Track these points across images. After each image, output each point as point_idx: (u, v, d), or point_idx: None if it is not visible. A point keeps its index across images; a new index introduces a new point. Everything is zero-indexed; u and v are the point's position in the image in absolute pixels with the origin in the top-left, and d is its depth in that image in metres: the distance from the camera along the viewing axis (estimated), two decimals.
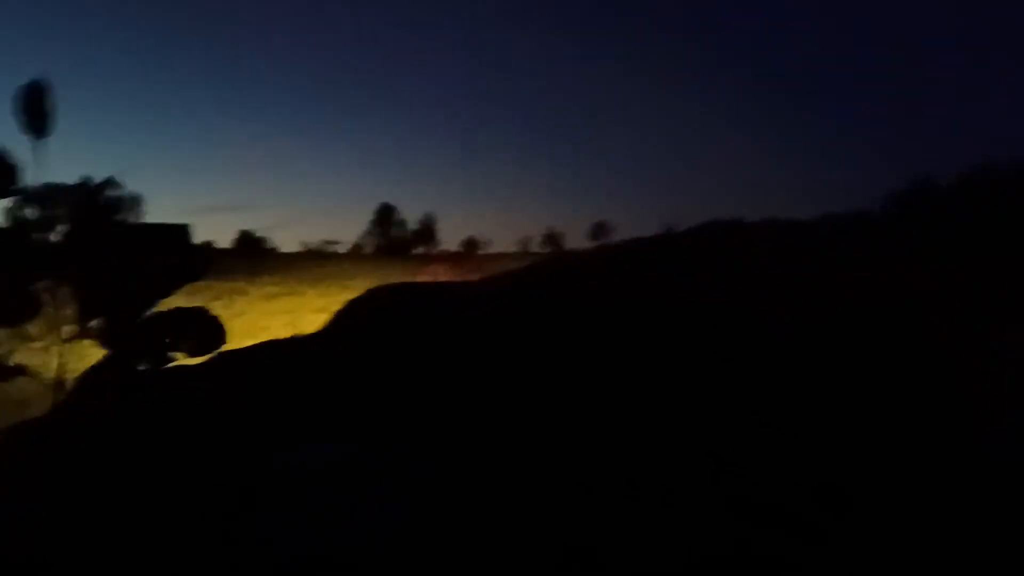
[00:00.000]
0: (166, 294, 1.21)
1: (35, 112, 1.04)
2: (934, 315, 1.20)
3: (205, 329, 1.22)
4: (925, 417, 1.00)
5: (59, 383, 1.20)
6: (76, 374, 1.21)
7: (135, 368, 1.23)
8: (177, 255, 1.23)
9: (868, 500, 0.90)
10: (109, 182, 1.12)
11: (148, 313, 1.20)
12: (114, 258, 1.16)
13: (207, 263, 1.26)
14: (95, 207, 1.10)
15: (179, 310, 1.22)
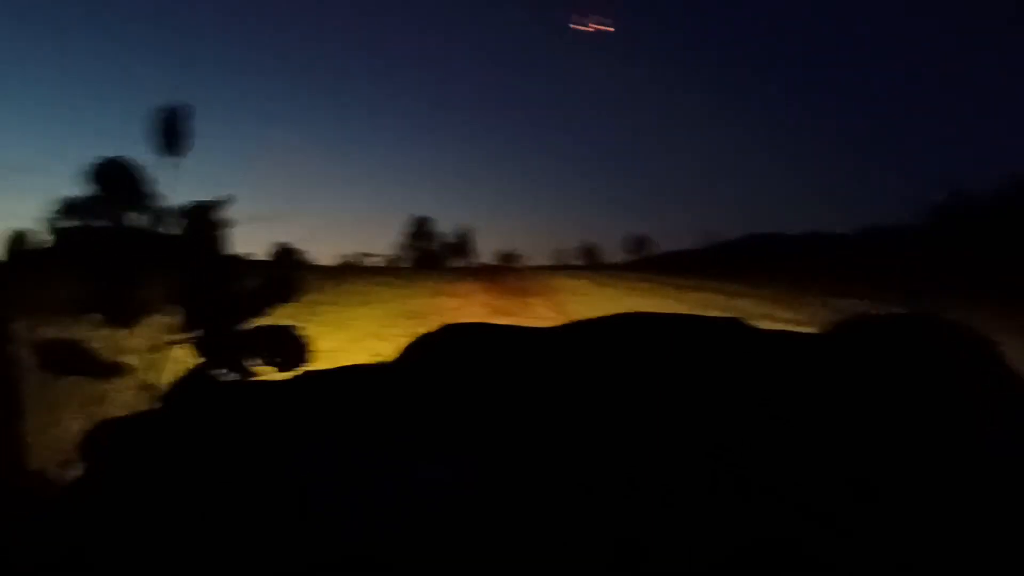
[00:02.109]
0: (261, 312, 1.29)
1: (172, 135, 1.14)
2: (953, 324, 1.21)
3: (291, 347, 1.29)
4: (941, 411, 1.01)
5: (150, 385, 1.28)
6: (164, 379, 1.29)
7: (223, 379, 1.30)
8: (275, 277, 1.32)
9: (891, 491, 0.91)
10: (222, 202, 1.21)
11: (241, 327, 1.29)
12: (220, 275, 1.24)
13: (301, 285, 1.34)
14: (208, 225, 1.19)
15: (270, 327, 1.29)
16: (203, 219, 1.20)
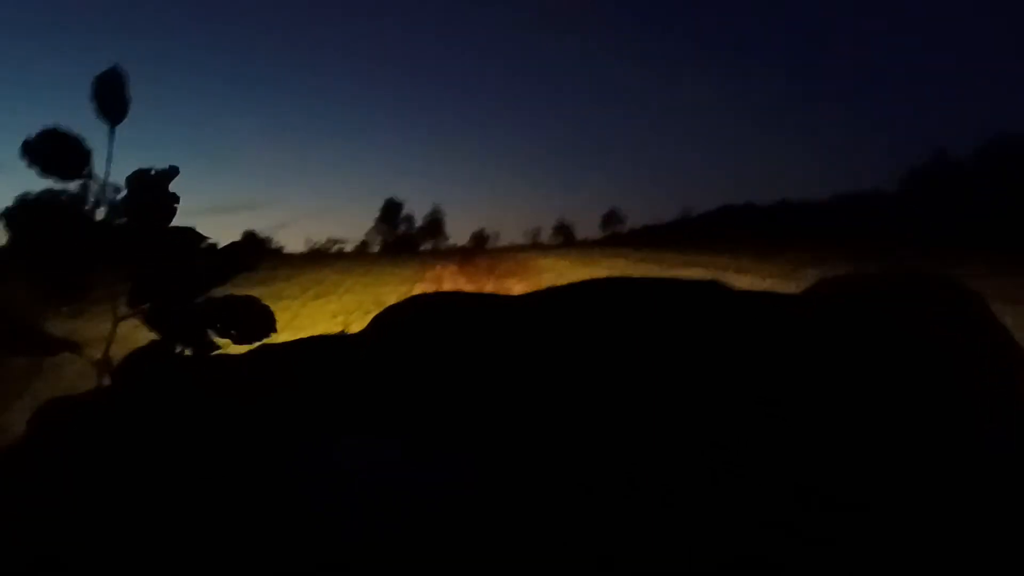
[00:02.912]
0: (218, 283, 1.22)
1: (111, 99, 1.08)
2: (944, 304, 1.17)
3: (254, 318, 1.23)
4: (929, 414, 0.98)
5: (105, 363, 1.21)
6: (115, 354, 1.23)
7: (179, 353, 1.24)
8: (232, 249, 1.25)
9: (872, 502, 0.88)
10: (171, 171, 1.14)
11: (198, 299, 1.22)
12: (169, 245, 1.18)
13: (260, 255, 1.28)
14: (157, 193, 1.12)
15: (229, 298, 1.23)
16: (147, 187, 1.13)
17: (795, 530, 0.84)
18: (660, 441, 0.98)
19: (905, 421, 0.95)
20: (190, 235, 1.18)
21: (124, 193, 1.12)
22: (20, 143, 1.05)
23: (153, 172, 1.12)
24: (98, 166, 1.11)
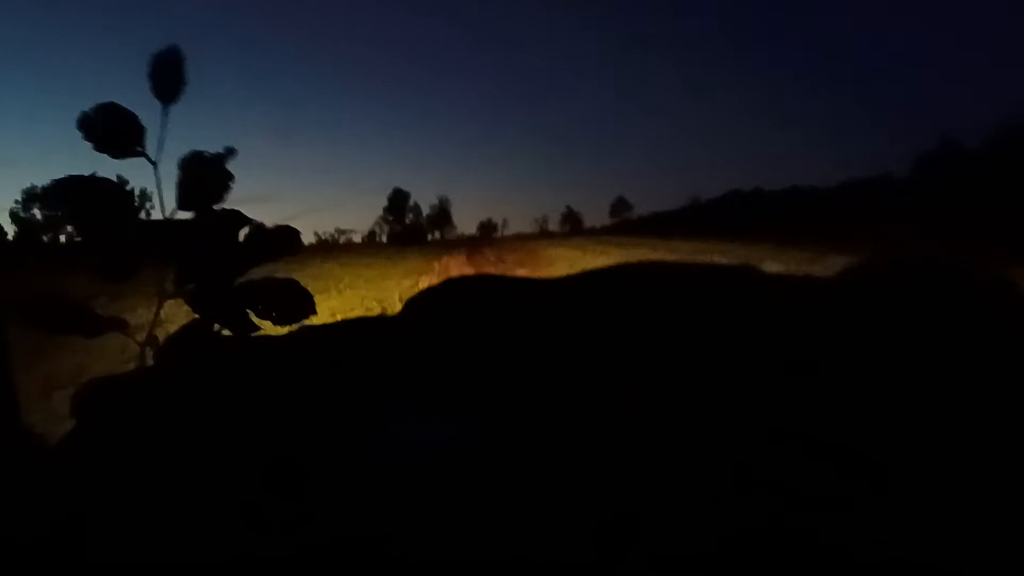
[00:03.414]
0: (259, 264, 1.24)
1: (168, 78, 1.09)
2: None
3: (293, 300, 1.25)
4: (952, 385, 0.99)
5: (150, 343, 1.23)
6: (159, 334, 1.25)
7: (220, 333, 1.26)
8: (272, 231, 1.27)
9: (898, 468, 0.89)
10: (227, 152, 1.16)
11: (240, 281, 1.24)
12: (217, 227, 1.19)
13: (299, 240, 1.29)
14: (210, 175, 1.14)
15: (269, 280, 1.25)
16: (200, 169, 1.15)
17: (827, 500, 0.85)
18: (691, 422, 1.00)
19: (942, 404, 0.97)
20: (236, 217, 1.19)
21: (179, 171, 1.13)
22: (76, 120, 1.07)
23: (207, 154, 1.14)
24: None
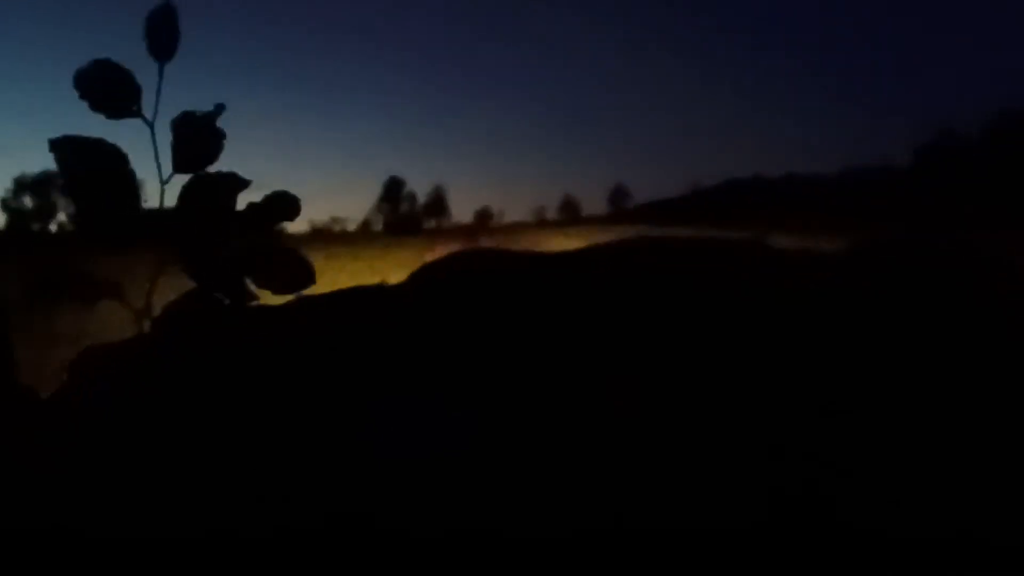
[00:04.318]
0: (257, 230, 1.22)
1: (162, 34, 1.06)
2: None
3: (293, 269, 1.22)
4: (981, 382, 0.98)
5: (147, 310, 1.21)
6: (156, 302, 1.23)
7: (217, 303, 1.24)
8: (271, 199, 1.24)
9: (900, 434, 0.88)
10: (217, 109, 1.13)
11: (237, 248, 1.22)
12: (214, 191, 1.17)
13: (297, 207, 1.27)
14: (204, 134, 1.11)
15: (268, 247, 1.22)
16: (195, 129, 1.12)
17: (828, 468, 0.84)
18: (701, 399, 0.98)
19: (956, 388, 0.95)
20: (233, 180, 1.17)
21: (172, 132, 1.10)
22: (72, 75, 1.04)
23: (199, 114, 1.11)
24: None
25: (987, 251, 1.20)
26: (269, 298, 1.28)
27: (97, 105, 1.07)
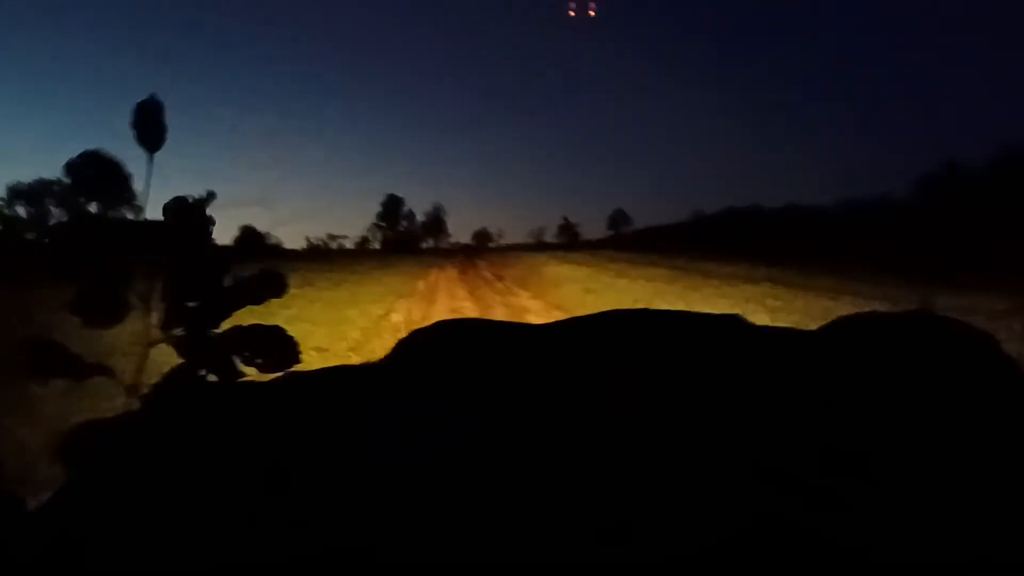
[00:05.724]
0: (243, 306, 1.24)
1: (150, 126, 1.10)
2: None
3: (279, 348, 1.25)
4: (945, 389, 1.00)
5: (135, 387, 1.23)
6: (147, 379, 1.25)
7: (205, 380, 1.26)
8: (258, 274, 1.27)
9: (890, 466, 0.89)
10: (209, 196, 1.17)
11: (225, 327, 1.24)
12: (204, 272, 1.20)
13: (285, 283, 1.30)
14: (194, 221, 1.15)
15: (255, 327, 1.25)
16: (186, 215, 1.16)
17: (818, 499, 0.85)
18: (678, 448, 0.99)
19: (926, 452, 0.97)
20: (221, 261, 1.20)
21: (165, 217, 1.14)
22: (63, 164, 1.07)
23: (191, 200, 1.14)
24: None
25: (962, 328, 1.22)
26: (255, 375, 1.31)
27: (90, 194, 1.10)
